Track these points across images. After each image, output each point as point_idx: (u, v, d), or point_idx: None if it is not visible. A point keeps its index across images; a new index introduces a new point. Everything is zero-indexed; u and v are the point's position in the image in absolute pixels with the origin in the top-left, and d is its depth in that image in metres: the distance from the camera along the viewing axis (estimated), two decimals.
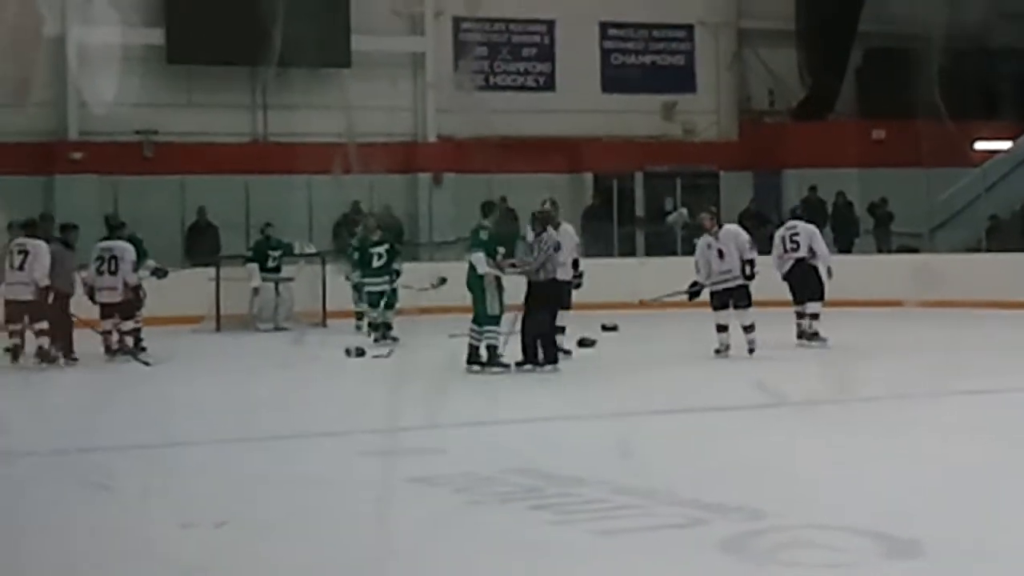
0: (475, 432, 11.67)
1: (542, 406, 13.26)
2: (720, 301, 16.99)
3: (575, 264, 16.98)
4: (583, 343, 17.65)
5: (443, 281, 20.63)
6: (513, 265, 15.88)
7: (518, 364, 15.46)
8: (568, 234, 17.04)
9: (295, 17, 26.29)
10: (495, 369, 15.47)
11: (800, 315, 18.40)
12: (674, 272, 23.95)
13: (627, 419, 12.25)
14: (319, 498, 8.89)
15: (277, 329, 22.39)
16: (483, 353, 15.58)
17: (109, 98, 24.89)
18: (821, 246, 18.51)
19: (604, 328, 19.88)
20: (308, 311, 22.74)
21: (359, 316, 20.81)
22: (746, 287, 16.94)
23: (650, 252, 28.52)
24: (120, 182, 26.59)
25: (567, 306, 16.91)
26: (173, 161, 27.44)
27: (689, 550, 7.26)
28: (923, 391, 13.79)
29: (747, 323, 16.86)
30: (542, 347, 15.49)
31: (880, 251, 28.93)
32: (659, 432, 11.53)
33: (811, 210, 29.22)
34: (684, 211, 29.26)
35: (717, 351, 16.75)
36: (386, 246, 19.96)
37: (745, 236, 17.35)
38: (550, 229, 15.97)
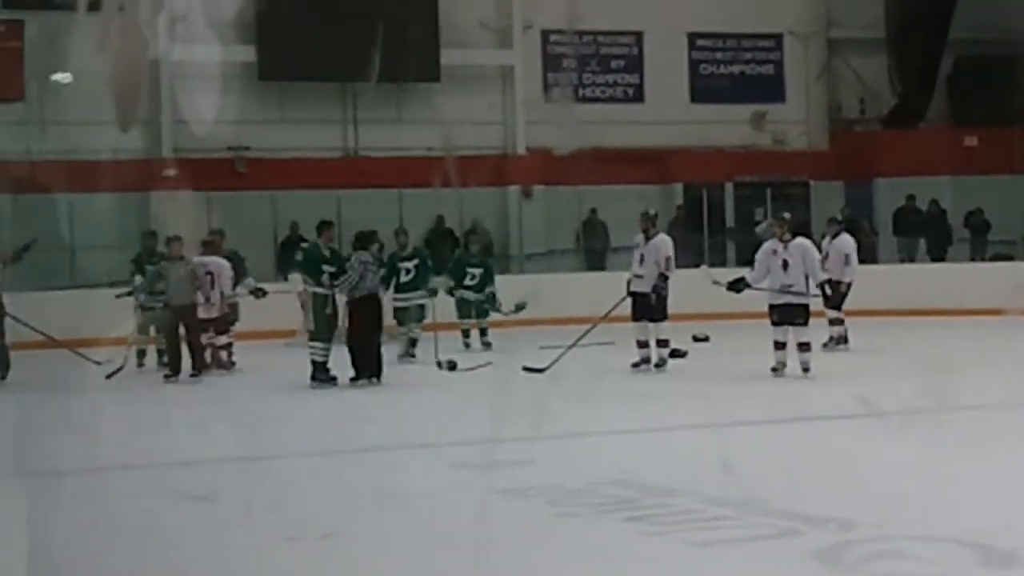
0: (566, 444, 11.70)
1: (633, 418, 13.27)
2: (780, 317, 16.15)
3: (663, 277, 16.91)
4: (674, 354, 17.63)
5: (521, 307, 20.79)
6: (334, 285, 16.27)
7: (352, 380, 16.03)
8: (655, 246, 17.00)
9: (385, 33, 26.54)
10: (330, 384, 16.08)
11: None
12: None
13: (720, 430, 12.23)
14: (413, 510, 8.97)
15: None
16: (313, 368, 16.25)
17: (203, 115, 25.20)
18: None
19: (695, 339, 19.87)
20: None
21: (466, 333, 20.78)
22: (806, 305, 16.20)
23: (740, 262, 28.42)
24: (214, 198, 26.89)
25: (663, 317, 16.93)
26: (265, 176, 27.69)
27: (783, 561, 7.27)
28: (1019, 401, 13.67)
29: (803, 340, 16.08)
30: (366, 359, 16.05)
31: (974, 259, 28.66)
32: (752, 443, 11.52)
33: (907, 219, 29.16)
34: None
35: (774, 370, 16.00)
36: (416, 261, 19.58)
37: (816, 254, 16.61)
38: (358, 252, 16.47)
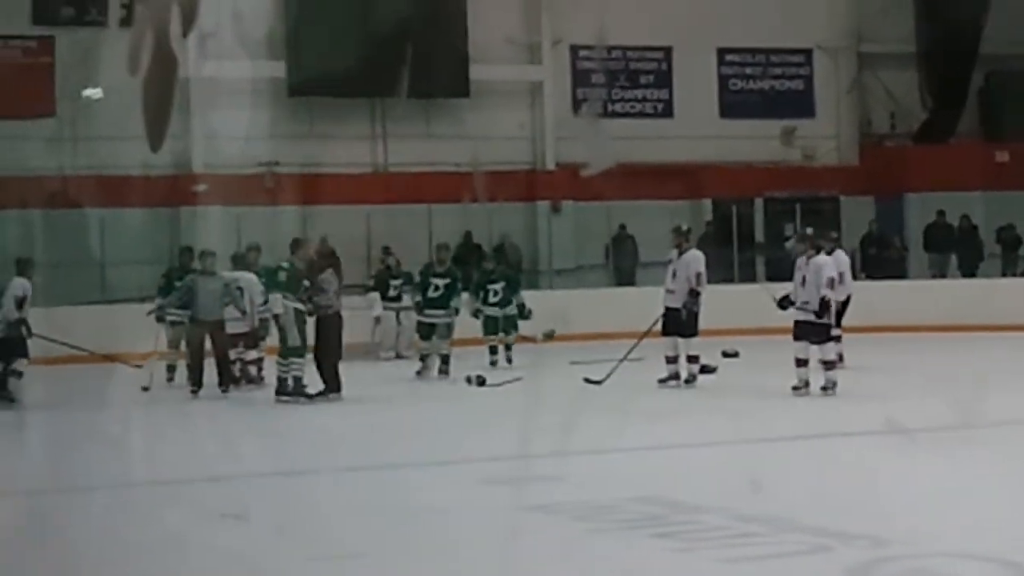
0: (594, 460, 11.66)
1: (663, 434, 13.23)
2: (797, 332, 16.01)
3: (693, 293, 16.88)
4: (704, 370, 17.57)
5: (550, 336, 20.81)
6: (311, 301, 16.59)
7: (319, 393, 16.32)
8: (686, 262, 16.97)
9: (414, 48, 26.60)
10: (301, 399, 16.24)
11: None
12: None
13: (749, 446, 12.21)
14: (443, 526, 8.96)
15: (398, 357, 22.53)
16: (290, 384, 16.36)
17: (233, 131, 25.29)
18: None
19: (725, 355, 19.80)
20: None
21: (492, 350, 20.52)
22: (822, 324, 15.88)
23: (771, 277, 28.38)
24: (243, 213, 26.95)
25: (693, 333, 16.91)
26: (295, 192, 27.72)
27: None
28: None
29: (826, 358, 15.95)
30: (333, 375, 16.41)
31: (1005, 275, 28.55)
32: (782, 459, 11.48)
33: (938, 234, 29.07)
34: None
35: (795, 388, 15.77)
36: (447, 280, 19.43)
37: (828, 273, 16.06)
38: (328, 272, 16.93)
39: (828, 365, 15.86)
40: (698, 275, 16.97)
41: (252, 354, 18.19)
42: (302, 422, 15.16)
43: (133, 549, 8.60)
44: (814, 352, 15.90)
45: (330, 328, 16.64)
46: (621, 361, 17.09)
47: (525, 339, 20.94)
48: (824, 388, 15.72)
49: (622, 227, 29.37)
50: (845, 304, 18.25)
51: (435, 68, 28.21)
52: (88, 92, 26.58)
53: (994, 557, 7.44)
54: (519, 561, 7.85)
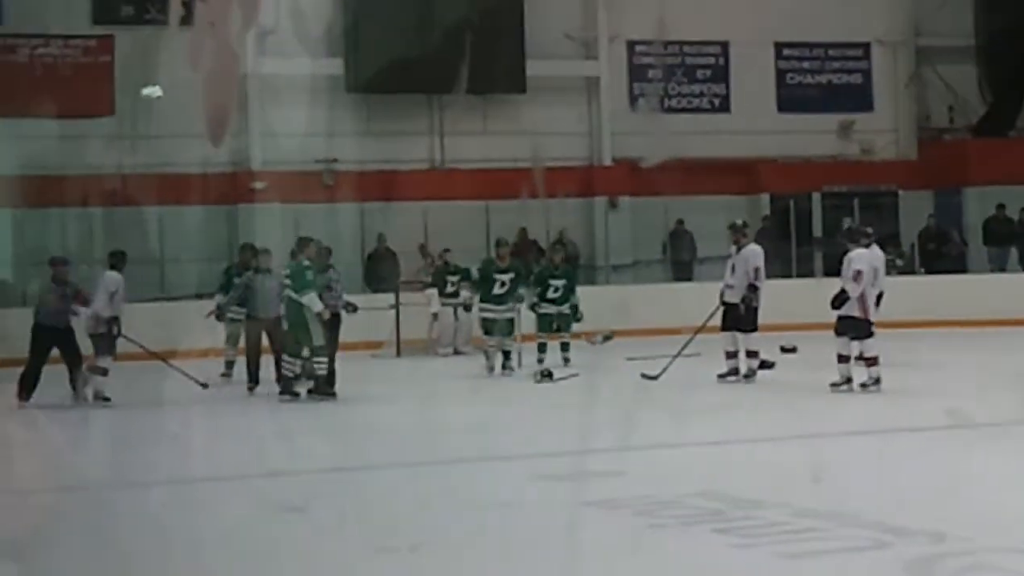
0: (654, 455, 11.68)
1: (721, 429, 13.23)
2: (837, 326, 15.85)
3: (752, 287, 16.87)
4: (763, 365, 17.54)
5: (608, 338, 20.79)
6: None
7: (309, 392, 16.42)
8: (744, 257, 16.96)
9: (472, 45, 26.64)
10: (302, 397, 16.39)
11: None
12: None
13: (807, 441, 12.19)
14: (502, 522, 9.00)
15: (456, 353, 22.60)
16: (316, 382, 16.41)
17: (292, 128, 25.42)
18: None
19: (783, 350, 19.74)
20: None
21: (542, 348, 19.97)
22: (853, 318, 15.59)
23: (828, 272, 28.25)
24: (301, 210, 27.07)
25: (752, 328, 16.90)
26: (353, 189, 27.83)
27: (873, 573, 7.23)
28: None
29: (867, 355, 15.63)
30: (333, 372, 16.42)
31: None
32: (840, 454, 11.45)
33: (998, 228, 28.87)
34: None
35: (834, 384, 15.60)
36: (511, 275, 19.22)
37: (852, 267, 15.68)
38: (331, 271, 16.98)
39: (869, 362, 15.63)
40: (756, 270, 16.96)
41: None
42: (360, 418, 15.24)
43: (194, 544, 8.67)
44: (855, 348, 15.80)
45: (335, 327, 16.72)
46: (676, 356, 17.09)
47: (577, 336, 20.83)
48: (863, 385, 15.52)
49: (679, 222, 29.33)
50: (877, 300, 17.61)
51: (492, 64, 28.25)
52: (147, 91, 26.78)
53: None
54: (580, 556, 7.88)
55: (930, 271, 28.20)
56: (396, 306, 22.80)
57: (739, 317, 16.89)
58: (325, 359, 16.22)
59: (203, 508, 9.89)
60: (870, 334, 15.67)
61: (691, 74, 31.12)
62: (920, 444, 12.09)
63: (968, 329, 23.54)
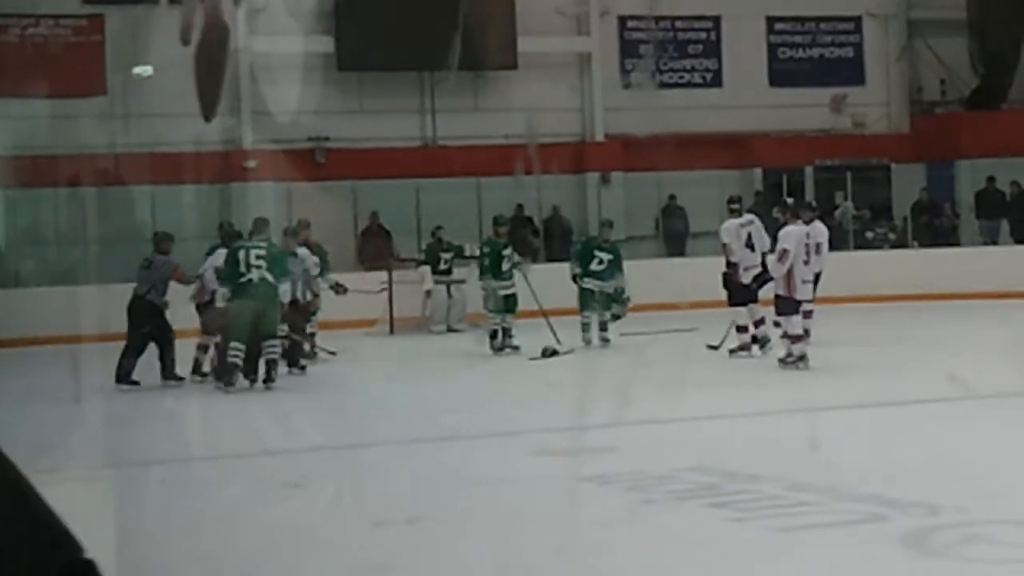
0: (648, 431, 11.70)
1: (716, 404, 13.25)
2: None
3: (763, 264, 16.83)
4: (755, 340, 17.51)
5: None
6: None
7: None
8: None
9: (463, 21, 26.59)
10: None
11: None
12: (846, 266, 23.90)
13: (802, 415, 12.21)
14: (498, 497, 9.03)
15: (450, 331, 22.62)
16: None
17: (283, 106, 25.39)
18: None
19: (777, 324, 19.72)
20: (480, 313, 22.90)
21: (586, 327, 18.98)
22: (778, 295, 15.70)
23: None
24: (294, 189, 27.08)
25: (755, 300, 16.90)
26: (345, 167, 27.82)
27: (868, 546, 7.25)
28: None
29: (791, 332, 15.63)
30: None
31: None
32: (835, 428, 11.46)
33: (989, 201, 28.91)
34: (849, 204, 29.08)
35: (782, 360, 15.58)
36: (510, 249, 19.11)
37: (780, 245, 15.63)
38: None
39: (793, 339, 15.54)
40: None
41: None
42: (356, 395, 15.26)
43: (192, 522, 8.70)
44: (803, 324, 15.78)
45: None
46: (731, 329, 16.99)
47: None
48: (782, 360, 15.50)
49: (672, 198, 29.34)
50: (816, 280, 17.43)
51: (484, 40, 28.21)
52: (139, 70, 26.74)
53: None
54: (575, 530, 7.90)
55: (923, 244, 28.25)
56: (389, 284, 22.80)
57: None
58: (277, 344, 15.78)
59: (201, 487, 9.91)
60: (794, 311, 15.56)
61: (683, 49, 31.09)
62: (914, 417, 12.12)
63: (961, 301, 23.58)
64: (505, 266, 18.86)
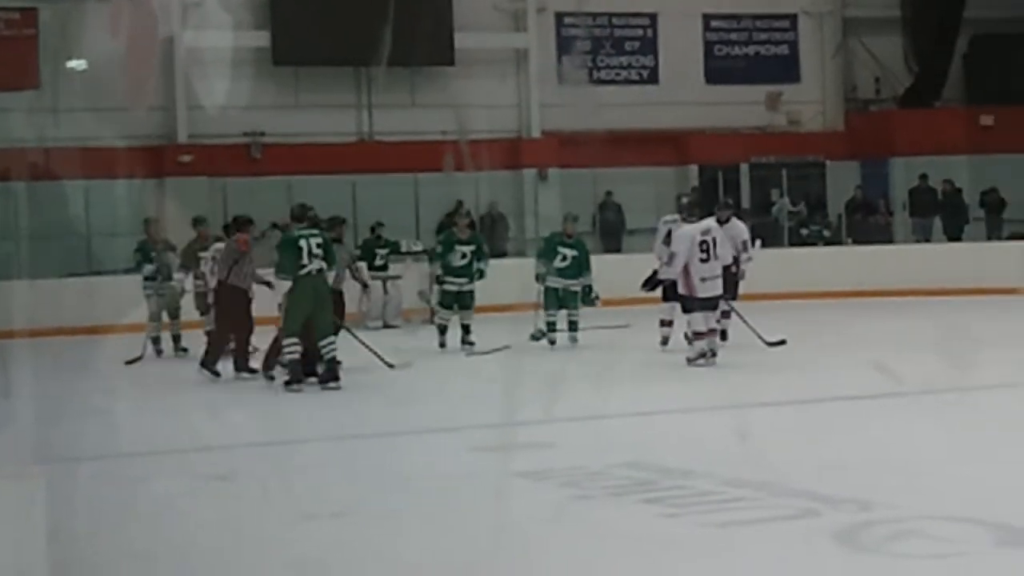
0: (585, 427, 11.70)
1: (651, 400, 13.26)
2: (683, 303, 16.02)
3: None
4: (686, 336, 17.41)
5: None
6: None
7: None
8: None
9: (398, 16, 26.47)
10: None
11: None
12: (780, 262, 24.03)
13: (736, 411, 12.24)
14: (430, 492, 8.99)
15: (386, 327, 22.54)
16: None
17: (218, 100, 25.25)
18: None
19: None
20: (416, 309, 22.86)
21: (551, 326, 18.20)
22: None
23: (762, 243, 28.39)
24: (229, 183, 26.96)
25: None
26: (281, 162, 27.71)
27: (801, 541, 7.27)
28: None
29: (694, 330, 15.60)
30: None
31: (990, 238, 28.60)
32: (770, 424, 11.51)
33: (922, 198, 29.12)
34: (786, 200, 29.24)
35: (689, 359, 15.48)
36: (472, 247, 18.31)
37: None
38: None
39: (696, 336, 15.53)
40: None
41: None
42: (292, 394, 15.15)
43: (121, 516, 8.63)
44: (707, 321, 15.67)
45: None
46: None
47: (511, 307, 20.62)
48: (689, 359, 15.43)
49: (608, 194, 29.38)
50: (734, 276, 17.07)
51: (420, 36, 28.13)
52: (73, 64, 26.51)
53: (979, 519, 7.48)
54: (507, 526, 7.88)
55: (857, 241, 28.43)
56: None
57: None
58: (335, 340, 14.92)
59: (124, 481, 9.82)
60: (696, 309, 15.51)
61: (619, 46, 31.14)
62: (846, 413, 12.16)
63: (894, 299, 23.73)
64: (460, 262, 18.20)
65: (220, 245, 16.62)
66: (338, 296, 15.68)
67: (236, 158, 27.63)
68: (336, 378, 14.38)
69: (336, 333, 15.02)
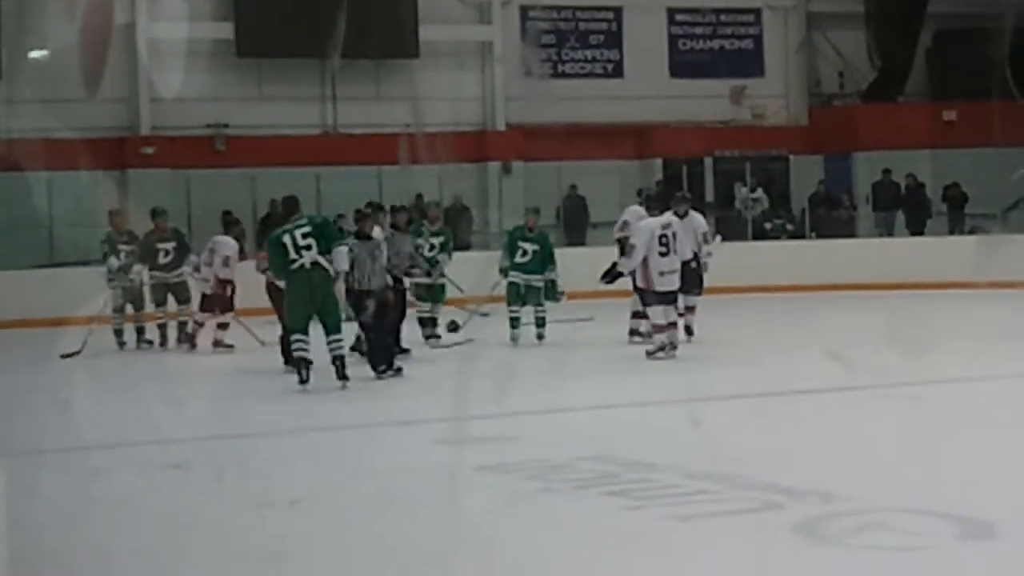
0: (549, 419, 11.72)
1: (615, 393, 13.27)
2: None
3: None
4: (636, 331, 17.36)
5: (486, 314, 19.54)
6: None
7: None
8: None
9: (363, 8, 26.44)
10: None
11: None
12: (744, 256, 24.08)
13: (701, 404, 12.26)
14: (393, 485, 8.97)
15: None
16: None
17: (181, 93, 25.14)
18: None
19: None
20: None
21: (513, 323, 17.60)
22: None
23: (722, 237, 28.43)
24: (192, 176, 26.87)
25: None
26: (244, 154, 27.63)
27: (763, 534, 7.29)
28: (997, 373, 13.72)
29: (654, 322, 15.68)
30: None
31: (952, 233, 28.71)
32: (733, 416, 11.55)
33: (884, 193, 29.23)
34: (745, 190, 29.29)
35: (649, 353, 15.53)
36: (442, 238, 18.11)
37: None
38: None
39: (656, 328, 15.60)
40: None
41: (221, 317, 18.08)
42: (251, 384, 15.10)
43: (76, 509, 8.60)
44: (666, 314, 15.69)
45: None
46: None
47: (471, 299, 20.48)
48: (648, 352, 15.51)
49: (573, 187, 29.40)
50: (697, 271, 17.02)
51: (384, 28, 28.09)
52: (35, 54, 26.36)
53: (941, 512, 7.51)
54: (469, 518, 7.88)
55: (820, 235, 28.49)
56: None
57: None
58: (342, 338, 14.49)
59: (81, 473, 9.78)
60: (655, 303, 15.54)
61: (584, 39, 31.16)
62: (808, 406, 12.21)
63: (856, 292, 23.79)
64: (428, 253, 17.70)
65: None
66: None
67: (200, 150, 27.53)
68: (344, 377, 14.02)
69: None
